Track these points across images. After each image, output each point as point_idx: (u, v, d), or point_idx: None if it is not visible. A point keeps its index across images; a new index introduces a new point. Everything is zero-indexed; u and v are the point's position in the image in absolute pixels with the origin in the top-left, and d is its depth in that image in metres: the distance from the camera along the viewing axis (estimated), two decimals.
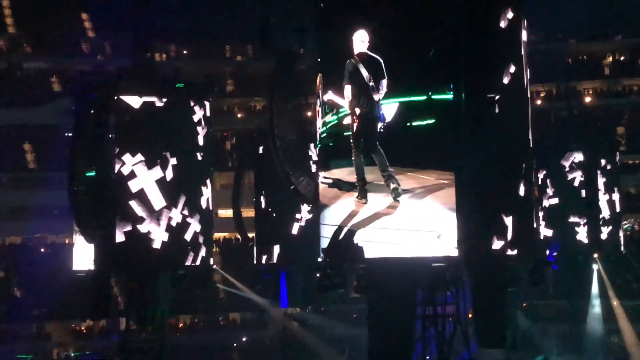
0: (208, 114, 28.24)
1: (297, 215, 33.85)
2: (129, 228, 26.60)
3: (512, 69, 20.57)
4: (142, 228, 26.71)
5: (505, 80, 20.42)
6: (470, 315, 22.33)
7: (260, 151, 35.32)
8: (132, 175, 26.77)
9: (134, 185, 26.75)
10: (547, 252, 32.68)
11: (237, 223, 37.34)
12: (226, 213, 48.00)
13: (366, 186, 20.12)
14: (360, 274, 20.78)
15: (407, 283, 20.63)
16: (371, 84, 20.11)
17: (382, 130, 20.15)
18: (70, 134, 28.31)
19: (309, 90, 25.30)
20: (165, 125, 27.17)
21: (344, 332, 39.17)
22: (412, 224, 19.44)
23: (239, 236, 39.07)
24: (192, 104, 27.60)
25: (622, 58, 70.72)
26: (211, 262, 29.10)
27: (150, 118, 26.93)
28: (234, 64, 73.85)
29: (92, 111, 27.19)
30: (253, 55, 73.02)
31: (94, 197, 26.79)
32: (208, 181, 28.43)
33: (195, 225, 27.54)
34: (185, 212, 27.23)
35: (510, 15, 20.60)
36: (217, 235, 49.60)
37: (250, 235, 36.70)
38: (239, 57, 74.45)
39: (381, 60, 20.13)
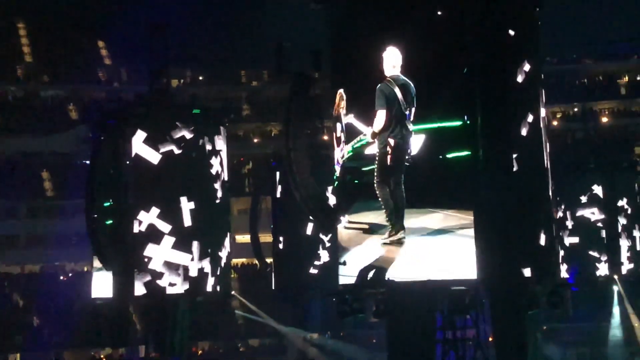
0: (225, 162, 28.05)
1: (317, 262, 33.74)
2: (147, 279, 26.42)
3: (530, 118, 20.13)
4: (162, 282, 26.52)
5: (524, 132, 19.99)
6: (490, 339, 22.16)
7: (277, 176, 35.36)
8: (150, 231, 26.55)
9: (151, 241, 26.56)
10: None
11: (255, 249, 37.27)
12: (244, 238, 47.99)
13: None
14: (379, 298, 20.60)
15: (427, 307, 20.48)
16: (407, 112, 18.86)
17: (408, 163, 18.93)
18: (87, 162, 28.31)
19: (324, 114, 25.22)
20: (182, 175, 26.90)
21: (363, 357, 38.96)
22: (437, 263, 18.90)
23: (257, 262, 38.98)
24: (208, 148, 27.39)
25: (638, 78, 70.64)
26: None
27: (167, 168, 26.69)
28: (249, 89, 74.12)
29: (109, 138, 27.22)
30: (268, 79, 73.27)
31: (112, 225, 26.80)
32: (227, 241, 28.16)
33: (214, 275, 27.29)
34: (205, 262, 26.92)
35: (527, 67, 20.13)
36: (235, 260, 49.52)
37: (269, 260, 36.65)
38: (255, 82, 74.74)
39: (413, 86, 19.01)
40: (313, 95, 23.05)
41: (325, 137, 40.86)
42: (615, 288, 36.38)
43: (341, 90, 20.27)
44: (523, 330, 20.99)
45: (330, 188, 22.07)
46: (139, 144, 26.59)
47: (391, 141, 18.99)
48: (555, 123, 64.82)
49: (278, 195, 35.49)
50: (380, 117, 18.98)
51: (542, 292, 20.88)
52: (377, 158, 19.24)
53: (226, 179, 28.04)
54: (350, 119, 19.80)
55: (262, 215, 37.89)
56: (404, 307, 20.04)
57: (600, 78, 70.91)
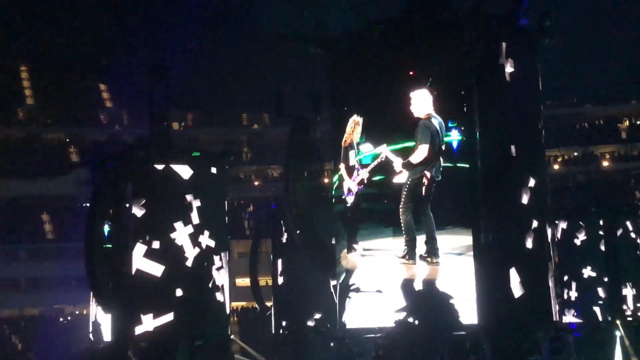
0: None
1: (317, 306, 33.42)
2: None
3: (535, 224, 20.20)
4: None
5: (529, 244, 20.04)
6: None
7: (277, 219, 35.26)
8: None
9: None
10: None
11: (254, 292, 37.10)
12: (244, 282, 47.82)
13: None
14: (378, 343, 20.44)
15: (428, 352, 20.31)
16: (443, 147, 19.27)
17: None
18: (87, 205, 28.15)
19: (324, 157, 25.15)
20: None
21: None
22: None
23: (257, 305, 38.80)
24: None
25: (638, 122, 70.89)
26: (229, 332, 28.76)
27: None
28: (250, 132, 74.47)
29: (109, 181, 27.10)
30: (269, 123, 73.57)
31: (111, 268, 26.64)
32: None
33: None
34: None
35: (532, 183, 20.23)
36: (234, 304, 49.36)
37: (269, 304, 36.47)
38: (255, 125, 75.11)
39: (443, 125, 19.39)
40: (313, 138, 23.03)
41: (326, 180, 40.88)
42: (618, 333, 36.10)
43: (356, 117, 20.31)
44: None
45: (330, 229, 21.87)
46: (139, 259, 25.86)
47: (427, 173, 19.18)
48: (555, 167, 64.88)
49: (278, 238, 35.39)
50: (423, 151, 19.05)
51: (543, 338, 20.74)
52: (406, 186, 19.25)
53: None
54: (386, 151, 19.67)
55: (262, 258, 37.71)
56: (404, 352, 19.87)
57: (600, 122, 71.17)
